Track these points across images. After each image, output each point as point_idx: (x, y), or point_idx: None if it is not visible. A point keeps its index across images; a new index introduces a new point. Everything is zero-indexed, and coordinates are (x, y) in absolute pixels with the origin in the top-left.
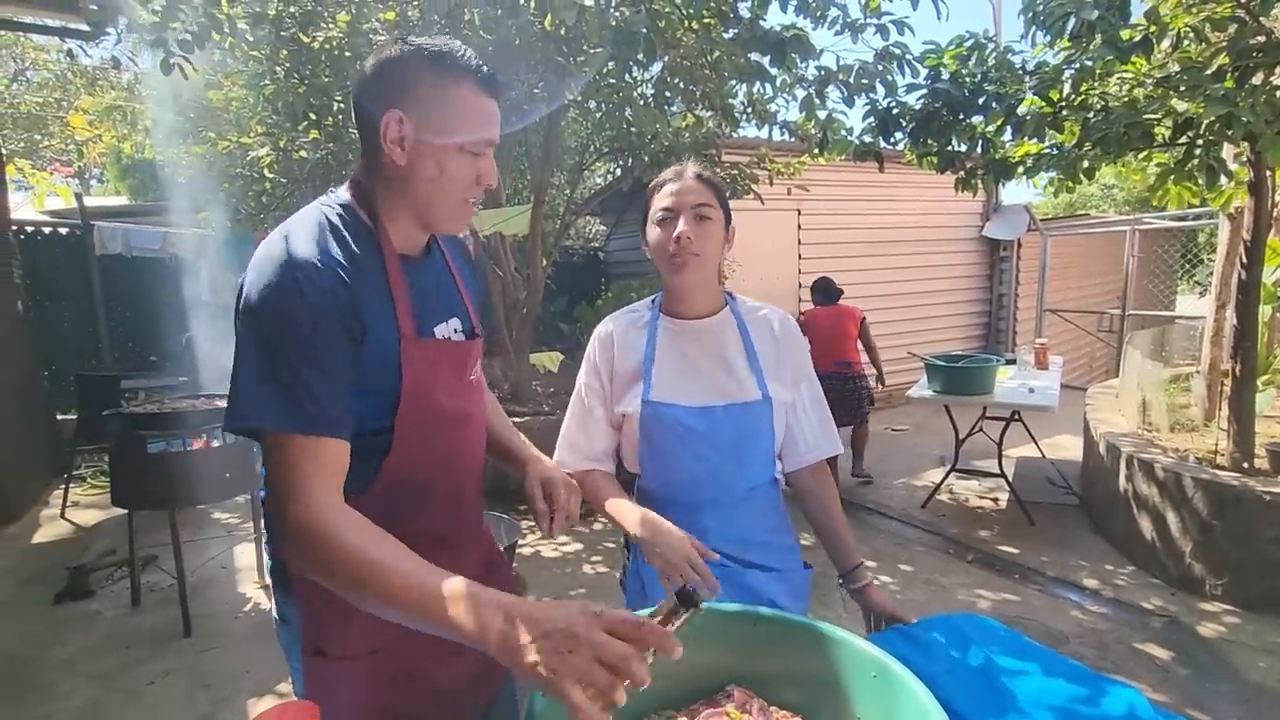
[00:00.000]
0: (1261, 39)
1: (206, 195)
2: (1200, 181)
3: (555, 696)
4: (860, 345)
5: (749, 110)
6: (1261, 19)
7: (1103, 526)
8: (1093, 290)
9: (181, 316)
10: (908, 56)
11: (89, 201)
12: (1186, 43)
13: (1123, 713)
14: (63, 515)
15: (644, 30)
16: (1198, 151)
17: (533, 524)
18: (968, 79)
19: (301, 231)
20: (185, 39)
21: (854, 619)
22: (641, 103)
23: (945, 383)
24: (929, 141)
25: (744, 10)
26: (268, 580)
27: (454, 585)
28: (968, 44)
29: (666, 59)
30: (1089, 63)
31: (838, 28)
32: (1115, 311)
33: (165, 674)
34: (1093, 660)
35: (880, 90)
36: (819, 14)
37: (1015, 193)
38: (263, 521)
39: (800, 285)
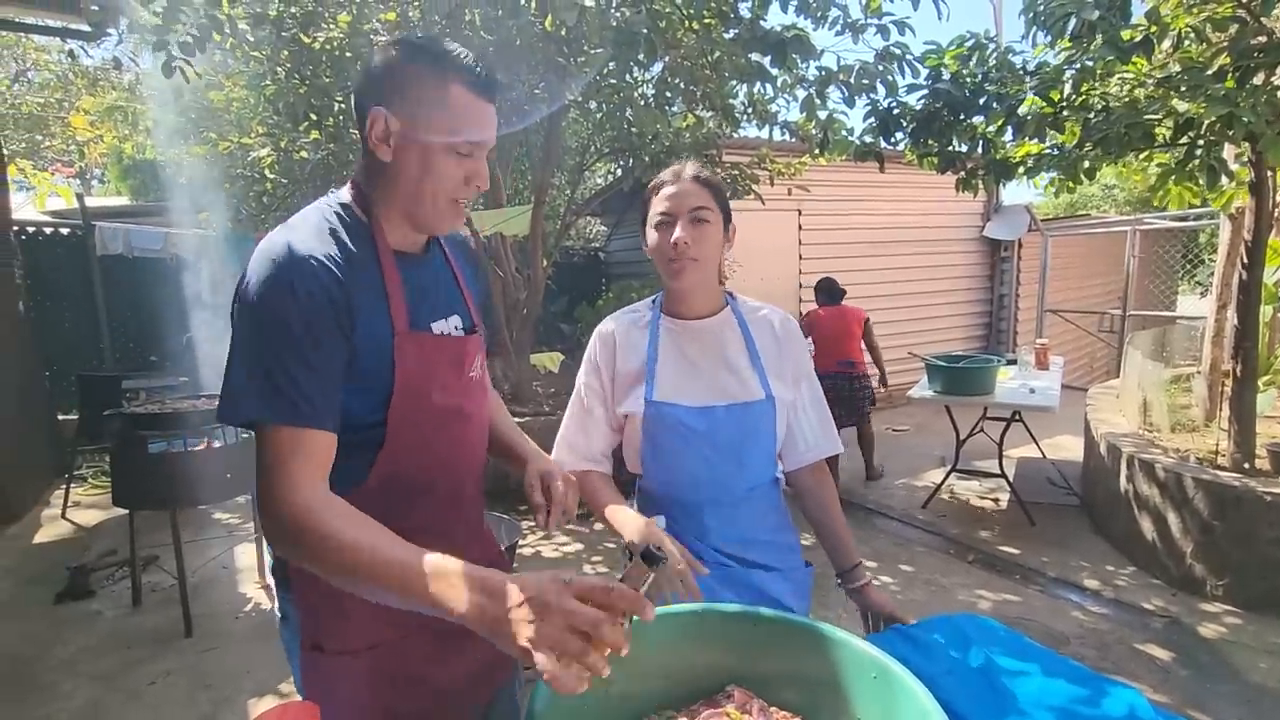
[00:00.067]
0: (1263, 39)
1: (207, 196)
2: (1201, 182)
3: (531, 665)
4: (863, 345)
5: (749, 110)
6: (1262, 19)
7: (1103, 527)
8: (1094, 290)
9: (182, 317)
10: (908, 57)
11: (90, 202)
12: (1187, 43)
13: (1123, 713)
14: (64, 515)
15: (644, 31)
16: (1199, 152)
17: (533, 524)
18: (968, 79)
19: (299, 229)
20: (187, 41)
21: (854, 619)
22: (642, 103)
23: (946, 383)
24: (930, 142)
25: (744, 10)
26: (269, 580)
27: (434, 562)
28: (968, 44)
29: (667, 59)
30: (1090, 63)
31: (838, 28)
32: (1116, 312)
33: (166, 674)
34: (1093, 661)
35: (881, 90)
36: (820, 14)
37: (1016, 193)
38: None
39: (801, 285)
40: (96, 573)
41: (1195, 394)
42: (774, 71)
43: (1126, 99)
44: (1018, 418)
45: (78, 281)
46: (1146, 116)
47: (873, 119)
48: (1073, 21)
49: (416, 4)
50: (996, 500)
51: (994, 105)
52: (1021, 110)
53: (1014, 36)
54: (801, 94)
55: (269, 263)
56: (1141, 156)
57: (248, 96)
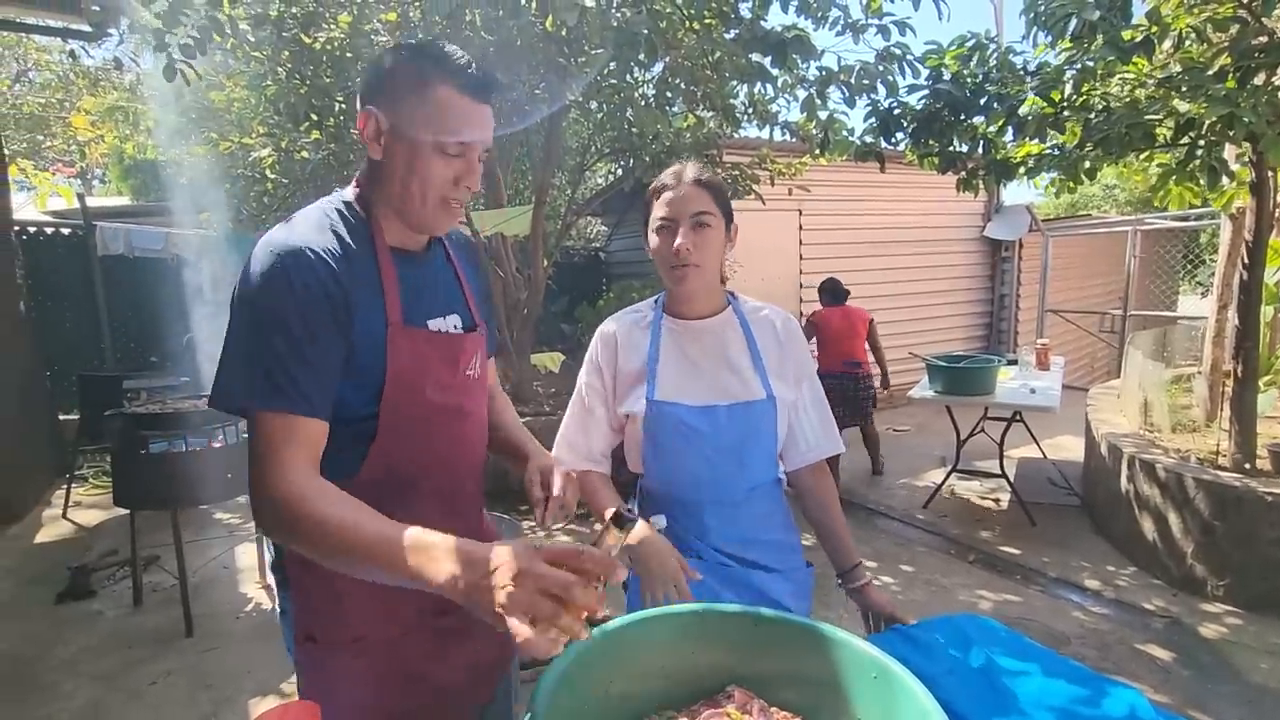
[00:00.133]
0: (1263, 39)
1: (208, 196)
2: (1202, 182)
3: (506, 630)
4: (867, 346)
5: (750, 111)
6: (1263, 19)
7: (1104, 527)
8: (1094, 291)
9: (183, 317)
10: (909, 57)
11: (91, 202)
12: (1188, 43)
13: (1124, 714)
14: (65, 515)
15: (645, 31)
16: (1199, 152)
17: (533, 524)
18: (969, 79)
19: (299, 225)
20: (187, 44)
21: (854, 619)
22: (643, 103)
23: (947, 383)
24: (930, 142)
25: (745, 11)
26: (269, 580)
27: (412, 535)
28: (969, 44)
29: (668, 60)
30: (1090, 63)
31: (839, 28)
32: (1117, 312)
33: (167, 674)
34: (1094, 661)
35: (881, 91)
36: (820, 15)
37: (1017, 193)
38: None
39: (801, 286)
40: (97, 573)
41: (1196, 394)
42: (774, 72)
43: (1127, 99)
44: (1018, 418)
45: (79, 281)
46: (1147, 117)
47: (873, 119)
48: (1073, 22)
49: (417, 4)
50: (997, 500)
51: (995, 105)
52: (1022, 110)
53: (1015, 37)
54: (802, 94)
55: (268, 255)
56: (1142, 157)
57: (248, 97)
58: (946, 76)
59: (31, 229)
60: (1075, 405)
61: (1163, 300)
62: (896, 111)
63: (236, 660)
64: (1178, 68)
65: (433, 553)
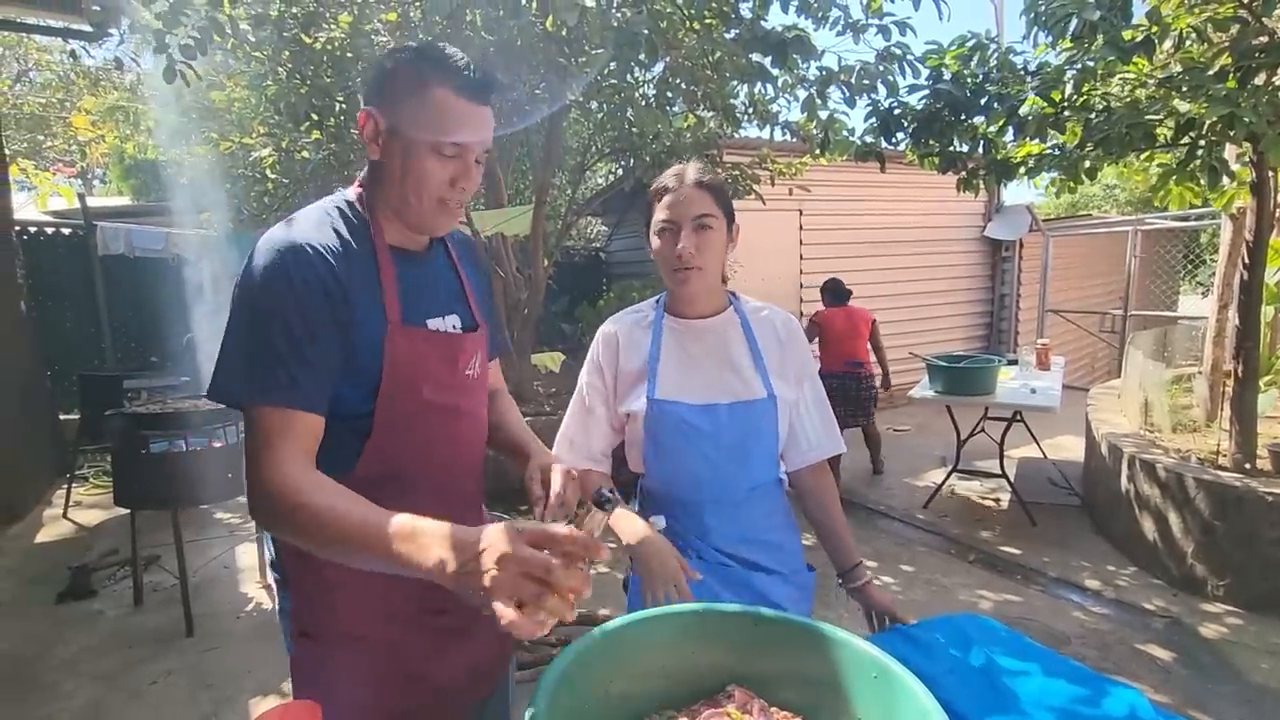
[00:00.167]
0: (1264, 39)
1: (209, 196)
2: (1202, 182)
3: (491, 612)
4: (868, 346)
5: (750, 111)
6: (1264, 19)
7: (1104, 527)
8: (1095, 290)
9: (184, 317)
10: (909, 57)
11: (92, 202)
12: (1189, 43)
13: (1124, 714)
14: (65, 515)
15: (645, 31)
16: (1200, 152)
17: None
18: (969, 79)
19: (300, 221)
20: (188, 45)
21: (855, 619)
22: (643, 103)
23: (947, 383)
24: (931, 142)
25: (745, 11)
26: (270, 579)
27: (401, 522)
28: (969, 44)
29: (668, 60)
30: (1091, 63)
31: (839, 28)
32: (1117, 312)
33: (167, 674)
34: (1094, 661)
35: (882, 91)
36: (820, 15)
37: (1017, 193)
38: None
39: (802, 286)
40: (98, 572)
41: (1196, 394)
42: (775, 72)
43: (1128, 99)
44: (1019, 418)
45: (79, 281)
46: (1148, 117)
47: (874, 119)
48: (1074, 22)
49: (418, 4)
50: (997, 500)
51: (995, 105)
52: (1023, 110)
53: (1015, 37)
54: (802, 94)
55: (268, 251)
56: (1143, 157)
57: (249, 96)
58: (947, 76)
59: (32, 229)
60: (1076, 405)
61: (1163, 300)
62: (897, 111)
63: (237, 660)
64: (1178, 68)
65: (421, 539)
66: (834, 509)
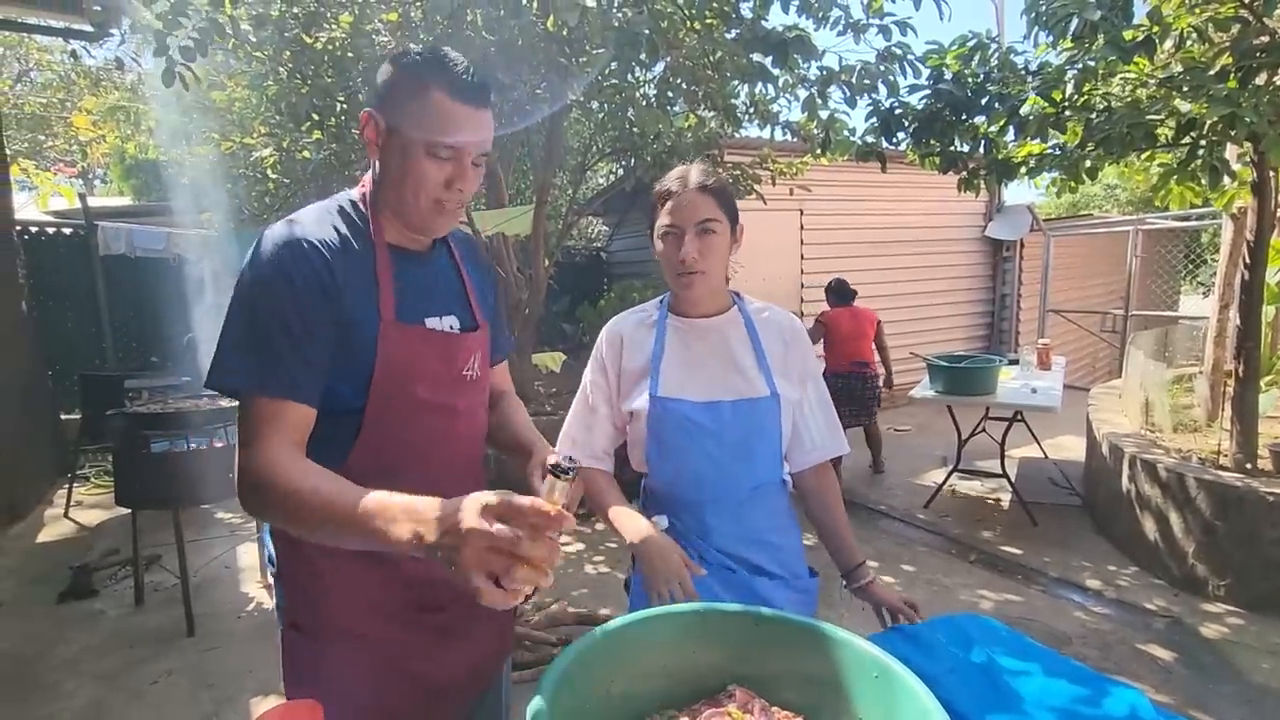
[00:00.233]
0: (1265, 39)
1: (210, 196)
2: (1203, 182)
3: (465, 585)
4: (873, 346)
5: (751, 110)
6: (1265, 19)
7: (1105, 527)
8: (1096, 290)
9: (184, 317)
10: (910, 57)
11: (93, 202)
12: (1189, 43)
13: (1125, 714)
14: (66, 515)
15: (646, 31)
16: (1201, 152)
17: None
18: (970, 79)
19: (301, 218)
20: (187, 46)
21: (856, 620)
22: (644, 103)
23: (948, 383)
24: (931, 142)
25: (746, 11)
26: (270, 579)
27: (375, 499)
28: (970, 44)
29: (669, 60)
30: (1092, 63)
31: (840, 28)
32: (1118, 312)
33: (168, 673)
34: (1095, 661)
35: (882, 90)
36: (821, 15)
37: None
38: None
39: (802, 285)
40: (99, 572)
41: (1197, 394)
42: (775, 72)
43: (1128, 99)
44: (1020, 418)
45: (80, 281)
46: (1149, 116)
47: (874, 119)
48: (1075, 22)
49: (419, 4)
50: (998, 500)
51: (996, 105)
52: (1023, 110)
53: (1016, 36)
54: (803, 94)
55: (267, 246)
56: (1143, 156)
57: (250, 96)
58: (948, 76)
59: (33, 229)
60: (1076, 405)
61: (1164, 300)
62: (898, 111)
63: (238, 659)
64: (1179, 68)
65: (394, 514)
66: (837, 509)
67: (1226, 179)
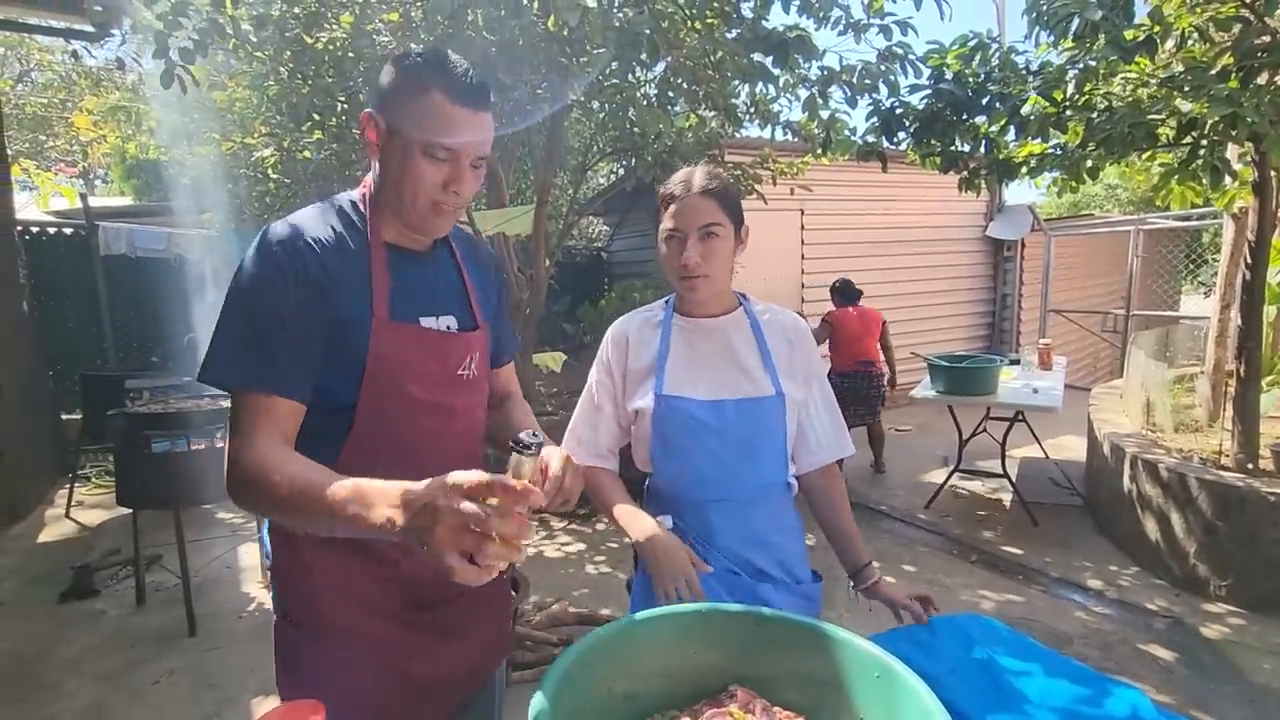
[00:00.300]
0: (1266, 39)
1: (210, 196)
2: (1204, 181)
3: (439, 564)
4: (878, 345)
5: (752, 110)
6: (1266, 19)
7: (1107, 527)
8: (1097, 290)
9: (185, 317)
10: (911, 56)
11: (93, 202)
12: (1191, 43)
13: (1126, 714)
14: (68, 515)
15: (647, 31)
16: (1202, 152)
17: (535, 524)
18: (971, 79)
19: (299, 217)
20: (187, 47)
21: (856, 620)
22: (644, 103)
23: (949, 383)
24: (932, 142)
25: (746, 11)
26: (269, 576)
27: (351, 484)
28: (971, 44)
29: (669, 59)
30: (1093, 63)
31: (841, 28)
32: (1119, 312)
33: (170, 673)
34: (1096, 661)
35: (883, 90)
36: (822, 14)
37: (1019, 193)
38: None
39: (803, 285)
40: (100, 572)
41: (1199, 394)
42: (776, 71)
43: (1129, 99)
44: (1021, 418)
45: (81, 281)
46: (1150, 116)
47: (875, 119)
48: (1076, 21)
49: (419, 4)
50: (999, 500)
51: (997, 105)
52: (1024, 110)
53: (1017, 36)
54: (804, 94)
55: (264, 242)
56: (1145, 156)
57: (251, 96)
58: (948, 76)
59: (34, 229)
60: (1078, 405)
61: (1165, 300)
62: (898, 111)
63: (239, 659)
64: (1180, 67)
65: (371, 498)
66: (843, 510)
67: (1228, 179)
